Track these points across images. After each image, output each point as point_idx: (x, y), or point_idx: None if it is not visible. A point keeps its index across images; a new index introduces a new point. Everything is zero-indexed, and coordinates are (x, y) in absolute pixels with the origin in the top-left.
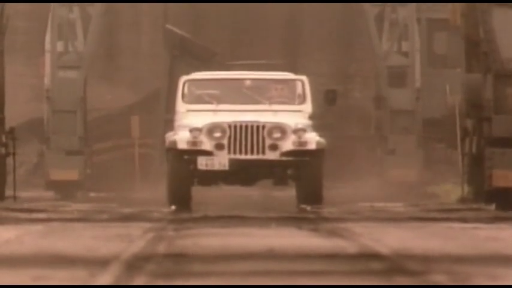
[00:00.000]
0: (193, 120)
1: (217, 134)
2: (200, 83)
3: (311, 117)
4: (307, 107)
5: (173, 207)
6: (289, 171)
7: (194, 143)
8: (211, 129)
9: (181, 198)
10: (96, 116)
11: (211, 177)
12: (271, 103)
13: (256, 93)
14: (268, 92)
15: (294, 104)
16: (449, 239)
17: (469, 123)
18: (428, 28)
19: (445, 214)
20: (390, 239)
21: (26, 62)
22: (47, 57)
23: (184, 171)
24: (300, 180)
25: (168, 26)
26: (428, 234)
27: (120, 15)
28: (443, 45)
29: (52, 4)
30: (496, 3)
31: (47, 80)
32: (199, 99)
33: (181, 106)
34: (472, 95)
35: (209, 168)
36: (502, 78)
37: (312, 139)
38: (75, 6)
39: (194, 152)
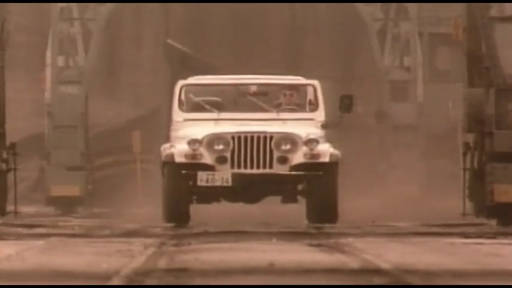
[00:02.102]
0: (191, 130)
1: (219, 146)
2: (199, 89)
3: (324, 126)
4: (320, 114)
5: None
6: (299, 187)
7: (193, 156)
8: (212, 141)
9: (179, 217)
10: (98, 132)
11: (212, 194)
12: (279, 111)
13: (263, 100)
14: (276, 98)
15: (304, 111)
16: (450, 254)
17: (471, 138)
18: (430, 43)
19: (447, 229)
20: (392, 254)
21: (27, 77)
22: (48, 72)
23: (183, 187)
24: (312, 196)
25: (169, 41)
26: (430, 249)
27: (121, 31)
28: (446, 60)
29: (52, 18)
30: (499, 19)
31: (47, 95)
32: (198, 107)
33: (178, 115)
34: (474, 110)
35: (210, 184)
36: (504, 93)
37: (326, 151)
38: (76, 21)
39: (193, 166)
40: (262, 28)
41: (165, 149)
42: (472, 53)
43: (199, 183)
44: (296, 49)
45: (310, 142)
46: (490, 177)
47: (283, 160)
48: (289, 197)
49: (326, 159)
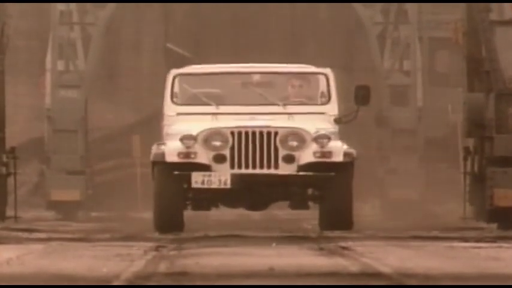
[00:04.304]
0: (185, 125)
1: (217, 143)
2: (195, 79)
3: (337, 121)
4: (333, 108)
5: None
6: (309, 190)
7: (187, 154)
8: (208, 137)
9: (171, 225)
10: (98, 136)
11: (209, 198)
12: (286, 104)
13: (268, 91)
14: (283, 89)
15: (315, 104)
16: (450, 258)
17: (471, 142)
18: (430, 47)
19: (446, 233)
20: (391, 258)
21: (27, 81)
22: (48, 77)
23: (175, 190)
24: (324, 201)
25: (169, 45)
26: (429, 253)
27: (121, 35)
28: (445, 64)
29: (52, 22)
30: (499, 23)
31: (47, 100)
32: (193, 100)
33: (170, 108)
34: (474, 114)
35: (206, 186)
36: (504, 97)
37: (338, 149)
38: (76, 26)
39: (187, 166)
40: (262, 32)
41: (155, 147)
42: (472, 56)
43: (193, 185)
44: (296, 53)
45: (320, 138)
46: (490, 181)
47: (289, 159)
48: (298, 202)
49: (339, 158)
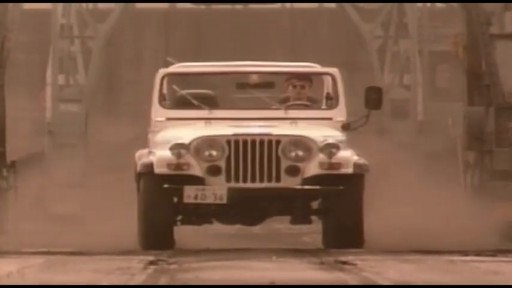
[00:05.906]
0: (176, 133)
1: (211, 153)
2: (186, 80)
3: (345, 127)
4: (340, 112)
5: None
6: (314, 205)
7: (178, 165)
8: (202, 146)
9: (160, 243)
10: (98, 150)
11: (202, 214)
12: (287, 108)
13: (267, 94)
14: (284, 91)
15: (320, 108)
16: (449, 272)
17: (471, 156)
18: (430, 61)
19: (446, 247)
20: (391, 272)
21: (27, 95)
22: (48, 91)
23: (165, 205)
24: (330, 217)
25: (169, 59)
26: (429, 267)
27: (121, 48)
28: (446, 78)
29: (53, 36)
30: (499, 36)
31: (48, 114)
32: (184, 103)
33: (158, 112)
34: (474, 128)
35: (199, 201)
36: (504, 111)
37: (348, 159)
38: (76, 39)
39: (178, 179)
40: (263, 46)
41: (142, 156)
42: (472, 70)
43: (185, 200)
44: (296, 57)
45: (328, 148)
46: (490, 195)
47: (293, 171)
48: (301, 217)
49: (349, 170)
